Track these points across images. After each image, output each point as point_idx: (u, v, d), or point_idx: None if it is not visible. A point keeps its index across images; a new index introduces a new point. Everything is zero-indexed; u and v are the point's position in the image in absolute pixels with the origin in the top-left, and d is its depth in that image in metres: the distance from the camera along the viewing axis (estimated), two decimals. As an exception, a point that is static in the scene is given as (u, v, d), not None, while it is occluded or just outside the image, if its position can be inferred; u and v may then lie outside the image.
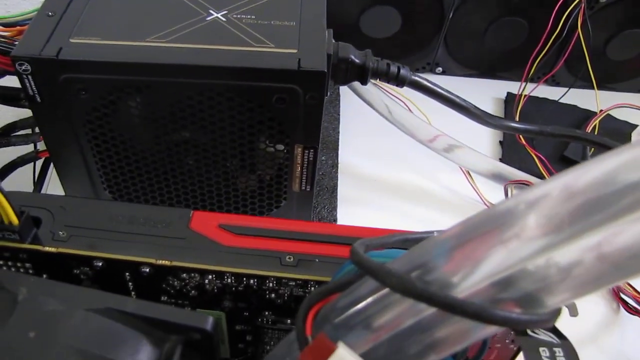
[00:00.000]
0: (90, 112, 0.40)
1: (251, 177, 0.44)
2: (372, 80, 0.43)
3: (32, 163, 0.55)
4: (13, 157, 0.55)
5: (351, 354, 0.19)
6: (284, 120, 0.40)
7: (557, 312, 0.20)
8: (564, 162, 0.61)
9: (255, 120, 0.40)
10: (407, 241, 0.26)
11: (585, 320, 0.50)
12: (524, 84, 0.65)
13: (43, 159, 0.55)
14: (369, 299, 0.21)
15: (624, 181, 0.16)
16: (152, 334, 0.27)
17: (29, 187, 0.57)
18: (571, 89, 0.67)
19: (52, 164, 0.55)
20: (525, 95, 0.66)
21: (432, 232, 0.27)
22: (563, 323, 0.21)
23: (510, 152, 0.62)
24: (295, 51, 0.38)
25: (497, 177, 0.55)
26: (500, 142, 0.64)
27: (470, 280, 0.19)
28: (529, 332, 0.24)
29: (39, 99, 0.39)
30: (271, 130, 0.41)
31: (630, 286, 0.49)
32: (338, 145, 0.60)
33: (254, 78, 0.37)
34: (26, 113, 0.53)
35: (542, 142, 0.62)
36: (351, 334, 0.21)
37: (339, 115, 0.63)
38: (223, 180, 0.44)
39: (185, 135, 0.41)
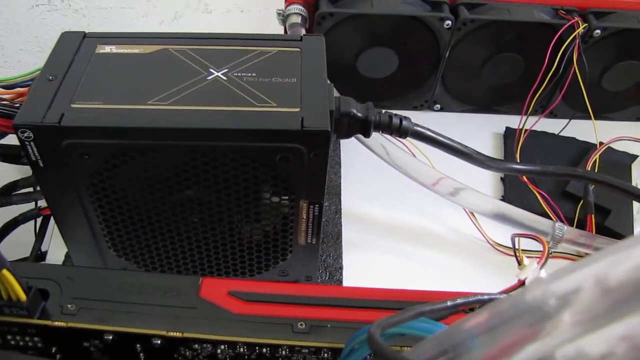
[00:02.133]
0: (93, 175, 0.40)
1: (256, 231, 0.44)
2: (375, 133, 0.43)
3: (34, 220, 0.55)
4: (15, 214, 0.55)
5: None
6: (287, 177, 0.40)
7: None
8: (566, 197, 0.61)
9: (259, 179, 0.40)
10: (422, 313, 0.26)
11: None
12: (524, 118, 0.65)
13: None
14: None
15: None
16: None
17: (29, 242, 0.57)
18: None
19: (52, 219, 0.55)
20: (525, 130, 0.66)
21: (445, 302, 0.27)
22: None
23: (512, 189, 0.62)
24: (297, 110, 0.38)
25: (500, 217, 0.55)
26: (501, 178, 0.64)
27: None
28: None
29: (41, 164, 0.39)
30: (275, 188, 0.41)
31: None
32: (340, 190, 0.60)
33: (258, 139, 0.37)
34: (27, 170, 0.53)
35: (543, 178, 0.62)
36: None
37: (339, 159, 0.63)
38: (229, 237, 0.44)
39: (189, 194, 0.41)
